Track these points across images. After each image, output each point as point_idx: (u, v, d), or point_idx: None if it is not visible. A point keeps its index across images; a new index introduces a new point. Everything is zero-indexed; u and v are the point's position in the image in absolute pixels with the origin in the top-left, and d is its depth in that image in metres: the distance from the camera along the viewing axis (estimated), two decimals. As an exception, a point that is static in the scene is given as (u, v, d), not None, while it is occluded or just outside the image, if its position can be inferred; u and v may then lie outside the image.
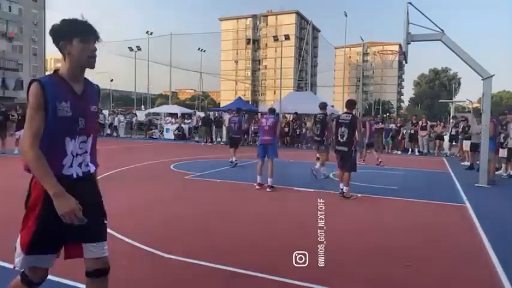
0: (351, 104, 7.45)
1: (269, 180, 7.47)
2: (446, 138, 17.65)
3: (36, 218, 1.92)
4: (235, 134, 11.86)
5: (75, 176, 2.01)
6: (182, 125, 23.71)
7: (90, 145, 2.09)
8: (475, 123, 11.81)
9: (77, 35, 1.95)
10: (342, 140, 7.04)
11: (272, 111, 8.31)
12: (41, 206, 1.92)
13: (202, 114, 24.19)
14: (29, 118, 1.90)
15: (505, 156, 10.29)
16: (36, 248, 1.93)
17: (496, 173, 10.24)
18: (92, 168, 2.14)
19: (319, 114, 9.31)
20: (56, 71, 2.02)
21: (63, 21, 1.98)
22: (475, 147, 11.46)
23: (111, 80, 47.23)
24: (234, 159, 11.19)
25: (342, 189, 6.99)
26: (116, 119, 24.40)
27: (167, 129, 24.01)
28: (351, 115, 7.11)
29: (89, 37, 1.98)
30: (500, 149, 10.28)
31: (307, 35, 37.23)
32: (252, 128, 19.53)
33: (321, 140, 9.11)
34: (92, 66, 2.02)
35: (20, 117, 13.33)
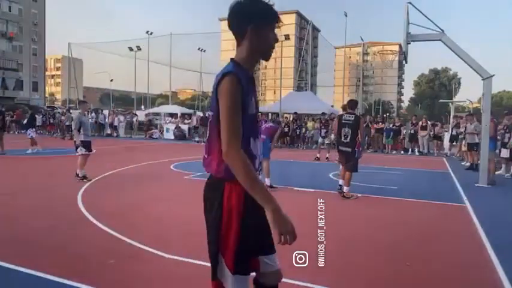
0: (353, 104, 7.41)
1: (266, 180, 7.50)
2: (446, 138, 17.67)
3: (237, 237, 1.67)
4: None
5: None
6: (180, 125, 23.69)
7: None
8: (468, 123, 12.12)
9: (270, 20, 1.70)
10: (345, 141, 7.00)
11: (274, 121, 8.60)
12: (241, 221, 1.67)
13: (202, 114, 24.19)
14: (229, 118, 1.59)
15: (507, 156, 10.32)
16: (241, 269, 1.70)
17: (497, 173, 10.25)
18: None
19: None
20: (233, 59, 1.73)
21: (254, 1, 1.69)
22: (470, 147, 11.76)
23: (111, 80, 47.22)
24: None
25: (340, 185, 7.04)
26: (116, 119, 24.40)
27: (167, 129, 24.02)
28: (354, 115, 7.04)
29: (277, 24, 1.74)
30: (503, 149, 10.31)
31: (307, 35, 37.22)
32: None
33: None
34: (269, 58, 1.77)
35: (29, 118, 13.76)
